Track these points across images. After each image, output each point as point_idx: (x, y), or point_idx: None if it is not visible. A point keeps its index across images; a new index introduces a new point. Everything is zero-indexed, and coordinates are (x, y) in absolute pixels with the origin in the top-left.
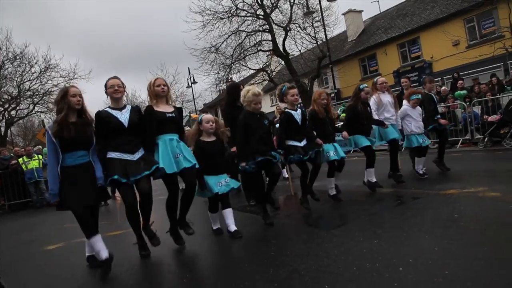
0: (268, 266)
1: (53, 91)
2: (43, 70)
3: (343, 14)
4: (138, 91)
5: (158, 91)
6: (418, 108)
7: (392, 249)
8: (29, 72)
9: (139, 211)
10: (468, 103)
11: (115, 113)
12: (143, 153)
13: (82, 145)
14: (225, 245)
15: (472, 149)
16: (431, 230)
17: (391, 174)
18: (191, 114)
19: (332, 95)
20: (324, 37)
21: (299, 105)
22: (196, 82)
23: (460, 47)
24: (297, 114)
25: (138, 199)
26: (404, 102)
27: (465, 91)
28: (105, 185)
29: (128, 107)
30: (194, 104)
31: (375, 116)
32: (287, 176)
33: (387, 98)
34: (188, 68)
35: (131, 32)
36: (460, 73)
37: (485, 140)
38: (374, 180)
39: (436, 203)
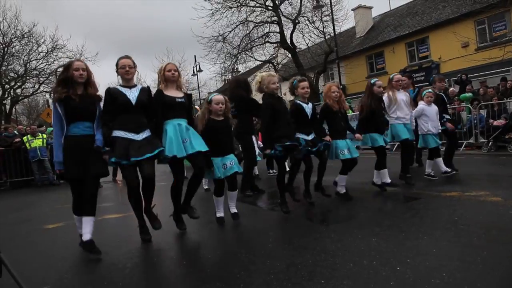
0: (265, 258)
1: (59, 71)
2: (50, 50)
3: (353, 9)
4: (143, 76)
5: (169, 76)
6: (435, 106)
7: (390, 248)
8: (36, 51)
9: (141, 193)
10: (475, 105)
11: (124, 90)
12: (149, 134)
13: (87, 116)
14: (224, 234)
15: (475, 153)
16: (430, 231)
17: (402, 175)
18: (196, 106)
19: None
20: (332, 31)
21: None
22: (202, 71)
23: (469, 49)
24: (308, 108)
25: (140, 182)
26: (420, 102)
27: (471, 94)
28: (103, 150)
29: (139, 87)
30: (199, 92)
31: (386, 115)
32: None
33: (401, 96)
34: (195, 56)
35: (139, 16)
36: (468, 75)
37: (489, 144)
38: (388, 180)
39: (437, 204)
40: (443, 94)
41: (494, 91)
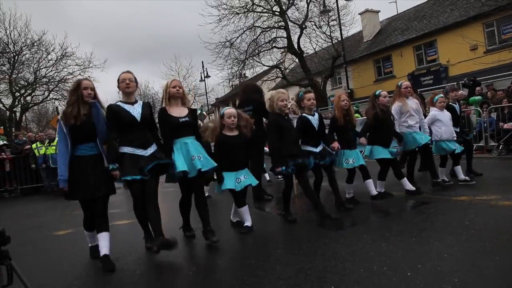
0: (275, 264)
1: (68, 78)
2: (59, 57)
3: (360, 13)
4: (151, 83)
5: (174, 92)
6: (448, 112)
7: (401, 253)
8: (45, 59)
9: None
10: (485, 109)
11: (127, 107)
12: (155, 148)
13: (92, 136)
14: (233, 240)
15: (485, 156)
16: (441, 236)
17: (434, 182)
18: (204, 112)
19: None
20: (340, 36)
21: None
22: (209, 76)
23: (478, 52)
24: (314, 120)
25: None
26: (432, 108)
27: (480, 97)
28: (114, 167)
29: (140, 102)
30: (207, 98)
31: (396, 125)
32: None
33: (411, 104)
34: (202, 62)
35: (146, 23)
36: (477, 78)
37: (500, 147)
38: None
39: (447, 209)
40: (454, 105)
41: (504, 94)
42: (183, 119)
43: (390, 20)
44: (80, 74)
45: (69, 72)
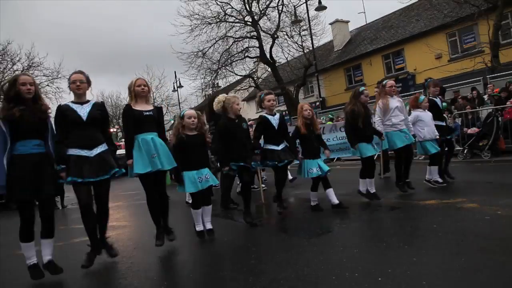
0: (248, 274)
1: (29, 74)
2: (26, 68)
3: (330, 23)
4: (123, 94)
5: (139, 91)
6: (429, 112)
7: (372, 258)
8: (11, 69)
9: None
10: (449, 116)
11: (75, 107)
12: (103, 149)
13: (36, 132)
14: (205, 251)
15: (452, 160)
16: (410, 240)
17: (399, 183)
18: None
19: (317, 103)
20: (311, 45)
21: (284, 112)
22: (182, 86)
23: (443, 60)
24: (274, 119)
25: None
26: (412, 111)
27: (445, 104)
28: (59, 168)
29: (92, 102)
30: (180, 108)
31: (379, 124)
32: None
33: (395, 102)
34: (175, 72)
35: (117, 34)
36: (442, 86)
37: (465, 152)
38: (374, 190)
39: (416, 213)
40: (436, 100)
41: (465, 101)
42: (147, 113)
43: (360, 30)
44: (48, 85)
45: (5, 81)
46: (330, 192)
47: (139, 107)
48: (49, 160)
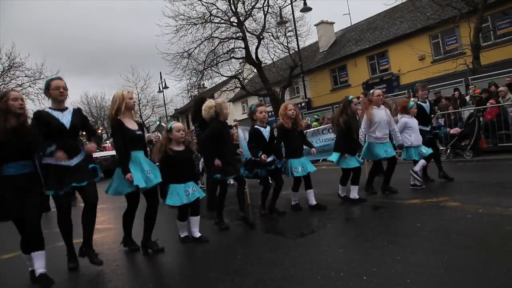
0: (234, 275)
1: (18, 91)
2: (7, 68)
3: (316, 25)
4: (107, 95)
5: (131, 104)
6: (415, 119)
7: (357, 258)
8: None
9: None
10: (433, 116)
11: (56, 114)
12: (81, 159)
13: (25, 153)
14: (190, 253)
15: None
16: (394, 239)
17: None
18: (163, 123)
19: (303, 104)
20: (296, 46)
21: (270, 113)
22: (168, 87)
23: (426, 61)
24: (266, 131)
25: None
26: (399, 116)
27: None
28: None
29: (70, 109)
30: (165, 109)
31: (364, 134)
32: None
33: (381, 113)
34: (160, 73)
35: (101, 34)
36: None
37: (447, 151)
38: (357, 196)
39: (400, 212)
40: (423, 104)
41: (447, 102)
42: (138, 132)
43: (345, 31)
44: (30, 86)
45: (18, 84)
46: (311, 193)
47: (129, 123)
48: (38, 180)
